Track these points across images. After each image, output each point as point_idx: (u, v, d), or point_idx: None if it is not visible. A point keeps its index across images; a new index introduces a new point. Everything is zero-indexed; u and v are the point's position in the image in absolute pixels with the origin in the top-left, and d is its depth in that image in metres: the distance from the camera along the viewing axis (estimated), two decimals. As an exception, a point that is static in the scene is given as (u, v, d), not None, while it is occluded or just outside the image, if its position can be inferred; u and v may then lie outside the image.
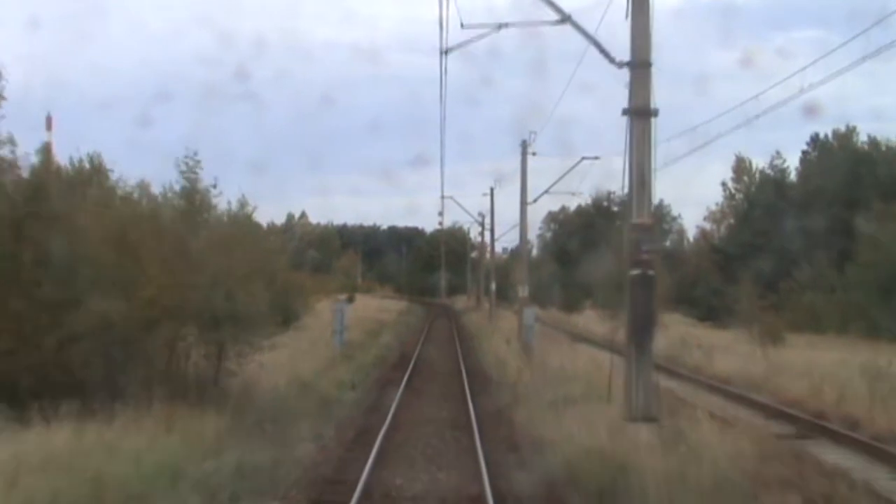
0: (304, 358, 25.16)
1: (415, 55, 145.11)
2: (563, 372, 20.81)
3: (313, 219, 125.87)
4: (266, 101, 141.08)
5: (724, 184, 73.47)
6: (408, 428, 16.01)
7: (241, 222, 19.38)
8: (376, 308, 66.33)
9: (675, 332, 33.88)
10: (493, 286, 56.19)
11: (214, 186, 18.11)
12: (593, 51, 13.13)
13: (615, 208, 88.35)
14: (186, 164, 17.30)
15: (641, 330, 12.25)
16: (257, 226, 22.32)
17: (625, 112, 12.42)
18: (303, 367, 22.79)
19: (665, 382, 21.47)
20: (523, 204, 34.56)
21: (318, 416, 16.87)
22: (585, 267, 59.99)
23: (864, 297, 42.33)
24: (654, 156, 12.28)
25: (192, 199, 17.34)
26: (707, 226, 76.22)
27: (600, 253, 65.17)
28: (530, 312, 31.74)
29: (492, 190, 57.14)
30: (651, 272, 12.09)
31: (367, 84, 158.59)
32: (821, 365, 23.46)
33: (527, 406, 17.10)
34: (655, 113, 12.40)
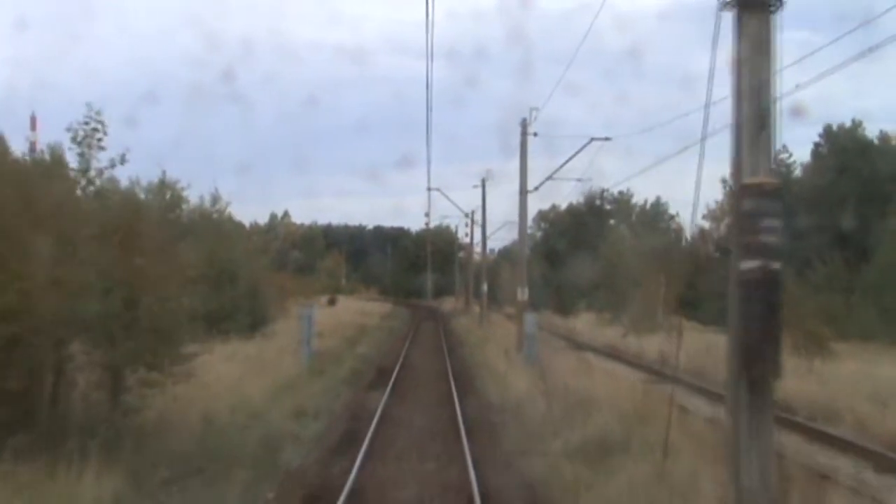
0: (263, 373, 20.78)
1: (401, 56, 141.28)
2: (583, 396, 16.26)
3: (299, 219, 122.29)
4: (252, 101, 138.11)
5: (724, 180, 69.24)
6: (379, 489, 11.32)
7: (153, 202, 14.66)
8: (358, 311, 62.20)
9: (688, 338, 29.25)
10: (485, 287, 51.59)
11: (123, 162, 13.31)
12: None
13: (608, 206, 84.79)
14: (83, 127, 12.63)
15: (759, 359, 7.06)
16: (195, 212, 17.70)
17: (725, 5, 7.40)
18: (257, 387, 18.34)
19: (708, 409, 17.06)
20: (523, 193, 29.63)
21: (259, 465, 12.23)
22: (581, 267, 55.99)
23: (886, 299, 39.24)
24: (777, 75, 7.45)
25: (87, 173, 12.63)
26: (706, 224, 72.05)
27: (596, 253, 61.48)
28: (531, 319, 26.99)
29: (483, 182, 52.73)
30: (776, 265, 7.02)
31: (353, 85, 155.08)
32: (889, 382, 19.32)
33: (546, 452, 12.48)
34: (778, 4, 7.24)
